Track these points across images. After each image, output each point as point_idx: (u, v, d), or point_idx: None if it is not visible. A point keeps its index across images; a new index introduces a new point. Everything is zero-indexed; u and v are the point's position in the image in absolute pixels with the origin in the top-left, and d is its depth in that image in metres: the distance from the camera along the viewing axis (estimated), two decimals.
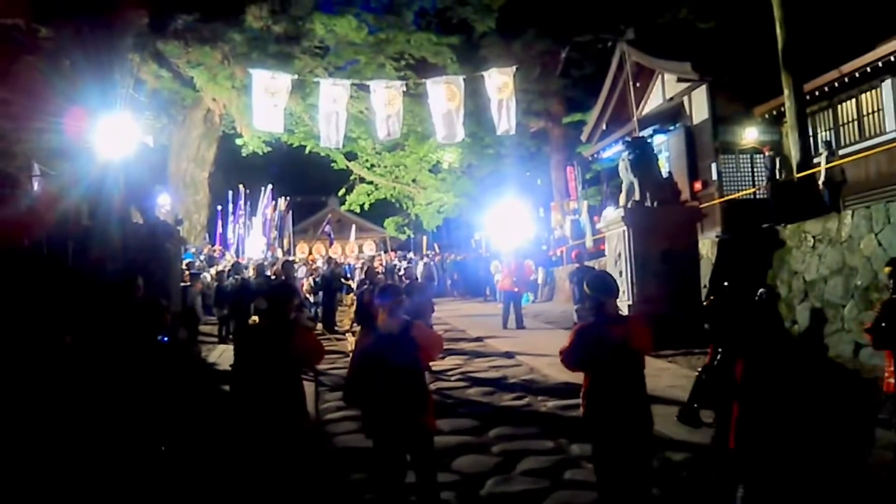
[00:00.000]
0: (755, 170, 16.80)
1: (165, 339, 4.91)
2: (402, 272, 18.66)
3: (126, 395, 4.47)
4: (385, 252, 34.80)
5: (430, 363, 4.86)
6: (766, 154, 16.13)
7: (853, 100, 14.48)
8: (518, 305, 15.80)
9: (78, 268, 8.54)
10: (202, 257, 19.72)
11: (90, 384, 4.83)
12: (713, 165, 16.81)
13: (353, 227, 38.56)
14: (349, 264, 26.01)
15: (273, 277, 14.70)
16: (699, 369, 5.59)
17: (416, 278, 19.89)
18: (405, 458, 4.42)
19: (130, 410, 4.43)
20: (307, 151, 24.73)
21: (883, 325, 5.31)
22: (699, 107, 17.32)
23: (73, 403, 4.89)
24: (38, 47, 12.97)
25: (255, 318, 14.71)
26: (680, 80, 17.38)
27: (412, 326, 4.52)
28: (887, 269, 5.43)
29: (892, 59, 12.62)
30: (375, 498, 4.60)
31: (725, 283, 5.27)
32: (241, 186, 29.73)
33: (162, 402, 4.52)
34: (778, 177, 15.16)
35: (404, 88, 17.73)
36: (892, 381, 5.37)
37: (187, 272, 13.96)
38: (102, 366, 4.74)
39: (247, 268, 18.27)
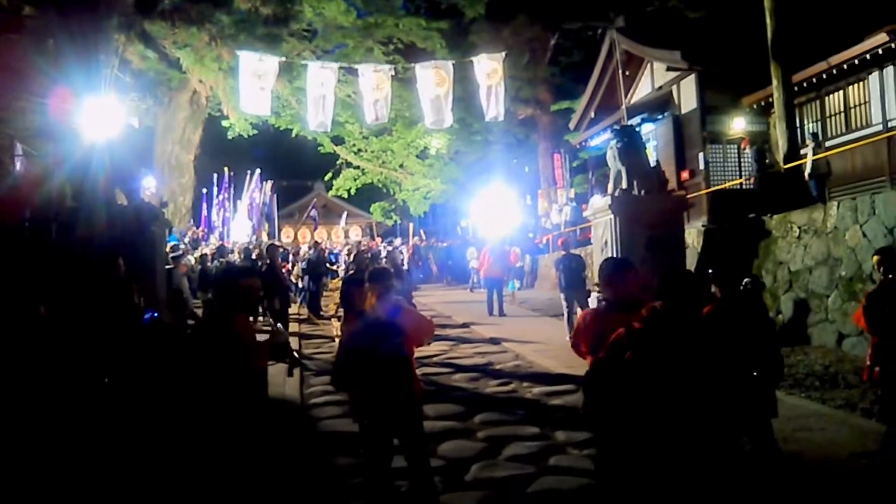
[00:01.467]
0: (742, 160, 16.86)
1: (156, 314, 4.86)
2: (384, 257, 18.63)
3: (101, 373, 4.42)
4: (372, 238, 34.73)
5: (416, 348, 4.80)
6: (745, 148, 16.20)
7: (840, 91, 14.54)
8: (500, 292, 15.82)
9: (61, 249, 8.45)
10: (186, 240, 19.61)
11: (68, 361, 4.80)
12: (701, 155, 16.85)
13: (345, 214, 38.44)
14: (332, 251, 25.93)
15: (258, 262, 14.64)
16: None
17: (403, 263, 19.84)
18: (392, 442, 4.41)
19: (105, 387, 4.39)
20: (294, 135, 24.56)
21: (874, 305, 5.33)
22: (688, 96, 17.34)
23: (51, 381, 4.86)
24: (21, 25, 12.78)
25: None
26: (669, 68, 17.38)
27: (401, 311, 4.51)
28: (875, 258, 5.45)
29: (880, 51, 12.68)
30: (362, 482, 4.59)
31: (710, 271, 5.25)
32: (226, 169, 29.49)
33: (138, 379, 4.46)
34: (761, 169, 15.23)
35: (393, 73, 17.63)
36: (877, 368, 5.40)
37: (172, 255, 13.88)
38: (80, 343, 4.70)
39: (231, 251, 18.19)
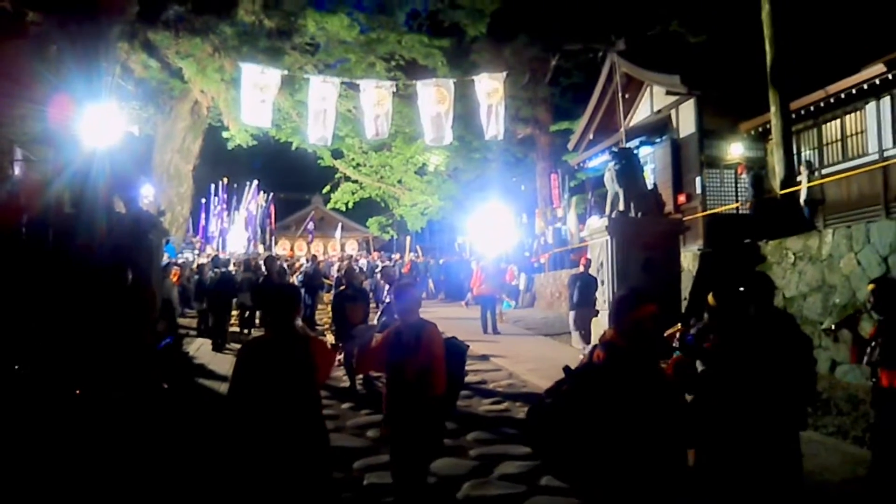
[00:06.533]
0: (739, 185, 16.94)
1: (171, 340, 4.89)
2: (378, 271, 18.72)
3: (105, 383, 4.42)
4: (368, 252, 34.72)
5: None
6: (741, 174, 16.28)
7: (838, 120, 14.64)
8: (493, 310, 15.83)
9: (58, 255, 8.44)
10: (194, 250, 19.66)
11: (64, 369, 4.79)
12: (698, 179, 16.93)
13: (339, 225, 38.46)
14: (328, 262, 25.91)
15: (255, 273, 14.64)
16: None
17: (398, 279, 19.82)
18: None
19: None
20: (294, 148, 24.66)
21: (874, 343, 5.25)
22: (686, 120, 17.44)
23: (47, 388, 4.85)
24: (24, 31, 12.81)
25: (235, 312, 14.74)
26: (668, 92, 17.49)
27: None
28: (870, 287, 5.43)
29: (877, 81, 12.78)
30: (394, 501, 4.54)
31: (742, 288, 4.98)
32: (224, 180, 29.55)
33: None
34: (758, 195, 15.30)
35: (394, 89, 17.75)
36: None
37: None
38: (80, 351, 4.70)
39: (227, 262, 18.17)
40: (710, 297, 4.69)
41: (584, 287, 12.19)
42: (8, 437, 4.98)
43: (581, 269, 12.68)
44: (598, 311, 12.01)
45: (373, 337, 4.77)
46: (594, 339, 11.44)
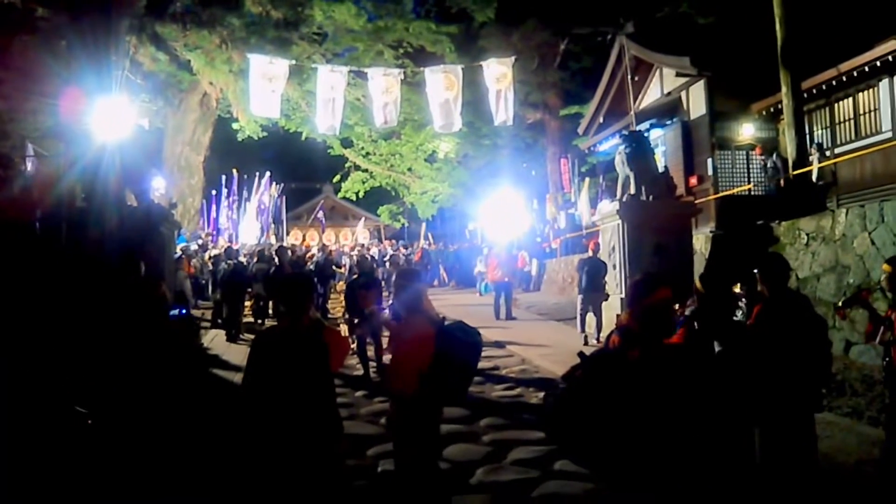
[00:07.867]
0: (751, 166, 16.83)
1: (184, 310, 4.88)
2: (387, 260, 18.80)
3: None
4: (380, 241, 34.76)
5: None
6: (759, 154, 16.17)
7: (850, 98, 14.49)
8: (508, 296, 15.83)
9: (71, 249, 8.52)
10: (200, 242, 19.73)
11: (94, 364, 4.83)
12: (709, 161, 16.82)
13: (363, 219, 38.60)
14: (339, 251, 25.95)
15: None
16: None
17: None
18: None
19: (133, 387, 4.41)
20: (303, 138, 24.68)
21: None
22: (697, 102, 17.32)
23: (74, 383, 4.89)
24: (33, 27, 12.89)
25: (249, 303, 14.81)
26: (678, 74, 17.35)
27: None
28: (886, 268, 5.35)
29: (890, 58, 12.63)
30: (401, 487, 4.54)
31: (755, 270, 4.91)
32: (234, 171, 29.62)
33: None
34: (777, 175, 15.19)
35: (402, 76, 17.72)
36: None
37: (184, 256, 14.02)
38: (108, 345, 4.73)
39: (239, 253, 18.25)
40: (696, 282, 4.67)
41: (593, 271, 12.17)
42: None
43: (590, 253, 12.65)
44: (607, 295, 11.98)
45: (381, 318, 4.77)
46: (605, 323, 11.45)
